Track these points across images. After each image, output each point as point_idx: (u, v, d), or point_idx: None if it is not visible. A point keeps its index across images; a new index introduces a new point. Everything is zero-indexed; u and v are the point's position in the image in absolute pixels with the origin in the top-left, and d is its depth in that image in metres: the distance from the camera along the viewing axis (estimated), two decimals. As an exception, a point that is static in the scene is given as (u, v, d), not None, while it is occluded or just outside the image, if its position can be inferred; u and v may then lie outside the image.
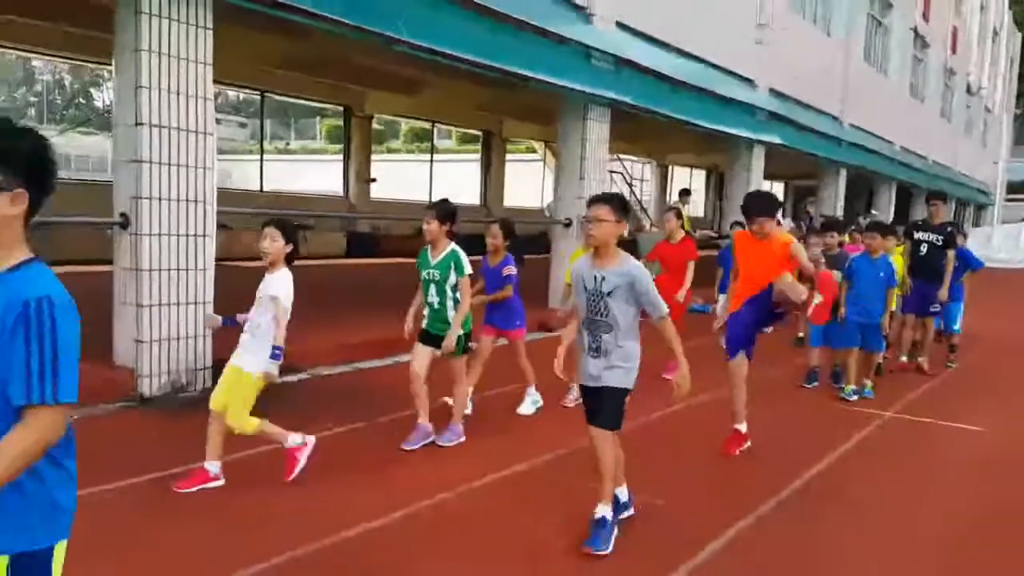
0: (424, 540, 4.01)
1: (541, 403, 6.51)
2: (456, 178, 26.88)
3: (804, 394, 7.76)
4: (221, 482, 4.55)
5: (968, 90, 35.65)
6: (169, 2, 6.07)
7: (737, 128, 15.04)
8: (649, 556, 3.96)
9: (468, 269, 5.36)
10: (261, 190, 19.92)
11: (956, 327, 9.75)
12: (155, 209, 6.18)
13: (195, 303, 6.50)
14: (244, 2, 6.45)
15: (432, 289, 5.40)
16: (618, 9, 11.56)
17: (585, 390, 4.10)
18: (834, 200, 20.66)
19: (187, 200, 6.38)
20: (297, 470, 4.66)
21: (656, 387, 5.40)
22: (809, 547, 4.23)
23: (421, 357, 5.43)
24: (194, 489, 4.45)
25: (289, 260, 4.73)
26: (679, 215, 8.31)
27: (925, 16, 27.04)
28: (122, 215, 6.20)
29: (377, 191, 21.88)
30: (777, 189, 36.99)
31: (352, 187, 21.12)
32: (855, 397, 7.39)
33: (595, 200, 3.97)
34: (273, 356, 4.50)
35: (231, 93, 25.75)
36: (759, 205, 5.64)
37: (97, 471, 4.57)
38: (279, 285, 4.59)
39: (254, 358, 4.55)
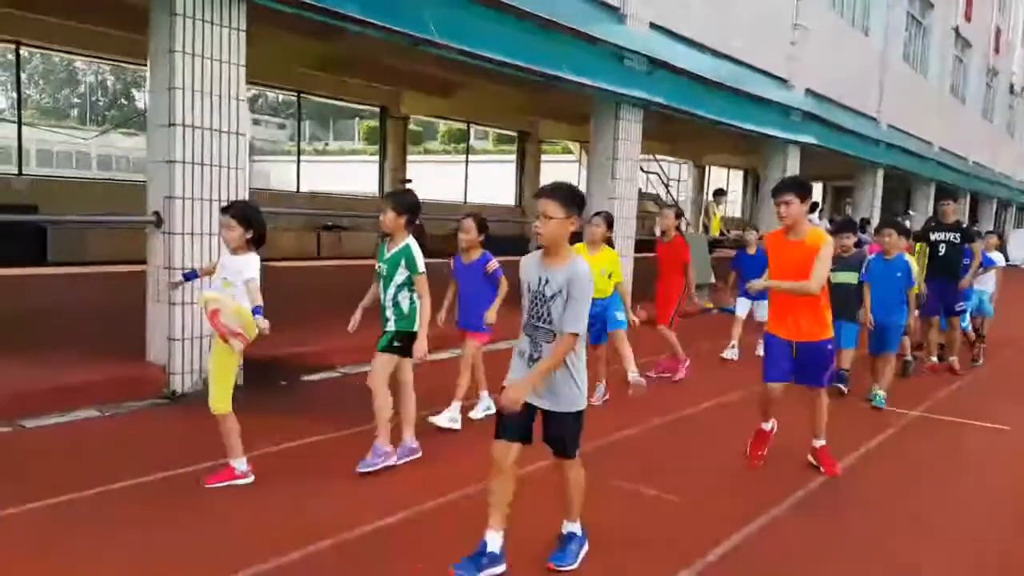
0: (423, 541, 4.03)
1: (494, 410, 6.09)
2: (492, 179, 26.97)
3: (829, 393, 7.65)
4: (250, 479, 4.56)
5: (1011, 90, 34.97)
6: (203, 4, 6.18)
7: (772, 128, 14.90)
8: (660, 553, 3.93)
9: (421, 267, 4.85)
10: (297, 191, 20.15)
11: (965, 324, 9.74)
12: (187, 208, 6.28)
13: (227, 301, 6.59)
14: (272, 3, 6.53)
15: (380, 285, 4.98)
16: (652, 10, 11.52)
17: (528, 407, 3.53)
18: (871, 201, 20.39)
19: (219, 200, 6.46)
20: (221, 484, 4.49)
21: (702, 378, 5.40)
22: (827, 544, 4.17)
23: (374, 367, 4.91)
24: (223, 484, 4.48)
25: (257, 244, 4.50)
26: (679, 214, 8.12)
27: (967, 16, 26.59)
28: (155, 214, 6.31)
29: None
30: (815, 190, 36.56)
31: (388, 188, 21.26)
32: (882, 404, 7.10)
33: (541, 193, 3.51)
34: (256, 312, 4.34)
35: (270, 95, 26.05)
36: (785, 183, 5.10)
37: (128, 467, 4.67)
38: (251, 268, 4.41)
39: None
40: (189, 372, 6.41)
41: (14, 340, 7.25)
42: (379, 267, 4.95)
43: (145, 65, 6.67)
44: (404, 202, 4.91)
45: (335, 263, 16.61)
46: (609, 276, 6.64)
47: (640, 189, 15.63)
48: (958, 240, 8.84)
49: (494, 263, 5.86)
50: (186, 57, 6.13)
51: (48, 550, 3.68)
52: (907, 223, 9.47)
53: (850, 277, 7.36)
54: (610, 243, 6.85)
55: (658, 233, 8.52)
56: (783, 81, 15.62)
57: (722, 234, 17.40)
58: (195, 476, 4.58)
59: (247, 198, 6.71)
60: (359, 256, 17.37)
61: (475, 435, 5.62)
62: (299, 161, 21.11)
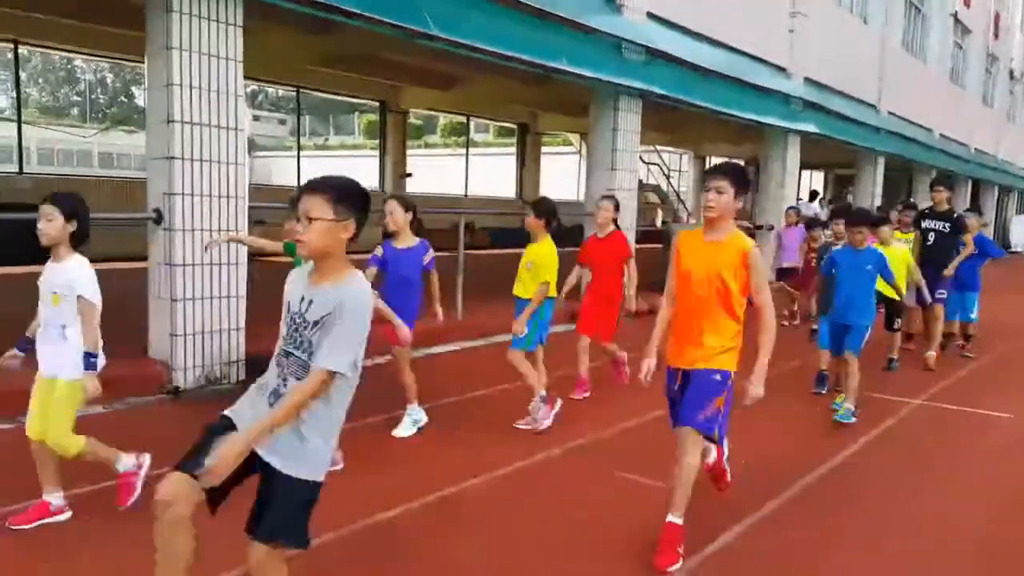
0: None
1: (423, 421, 5.60)
2: (492, 172, 26.97)
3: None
4: (67, 515, 3.94)
5: (1011, 76, 34.87)
6: (199, 0, 6.19)
7: (771, 117, 14.88)
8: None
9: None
10: (298, 186, 20.15)
11: (973, 316, 9.50)
12: (187, 205, 6.30)
13: (228, 297, 6.63)
14: (270, -1, 6.55)
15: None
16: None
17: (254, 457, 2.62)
18: (872, 189, 20.37)
19: (219, 196, 6.49)
20: (133, 498, 4.04)
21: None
22: (829, 533, 4.20)
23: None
24: (32, 526, 3.82)
25: (78, 242, 3.88)
26: (618, 206, 6.81)
27: (966, 2, 26.53)
28: (155, 211, 6.33)
29: (413, 186, 22.03)
30: (816, 178, 36.54)
31: (388, 182, 21.29)
32: (847, 419, 6.16)
33: (305, 189, 2.67)
34: (88, 366, 3.80)
35: (270, 90, 26.05)
36: (721, 166, 3.98)
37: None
38: (78, 278, 3.79)
39: (66, 361, 3.84)
40: (191, 368, 6.44)
41: (17, 338, 7.28)
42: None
43: (143, 62, 6.69)
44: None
45: (351, 256, 16.57)
46: (546, 275, 5.63)
47: (640, 180, 15.63)
48: (948, 230, 8.59)
49: (431, 254, 5.49)
50: (183, 53, 6.15)
51: (58, 545, 3.71)
52: (910, 212, 9.20)
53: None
54: (556, 234, 5.81)
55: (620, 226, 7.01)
56: (782, 70, 15.60)
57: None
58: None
59: (247, 194, 6.75)
60: (361, 251, 17.43)
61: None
62: (299, 156, 21.13)
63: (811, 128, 16.11)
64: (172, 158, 6.18)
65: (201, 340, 6.48)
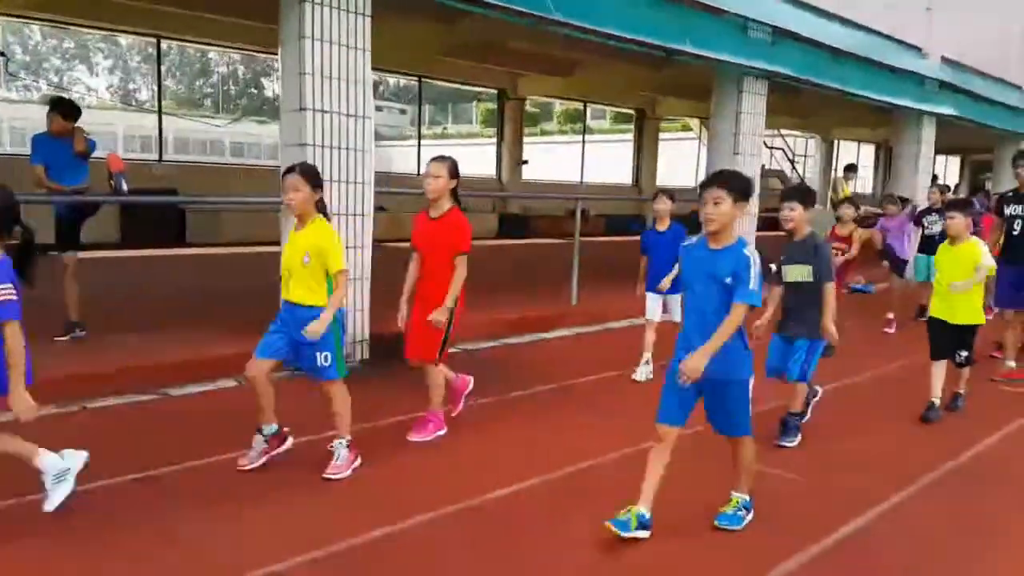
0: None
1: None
2: (609, 158, 26.78)
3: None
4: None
5: None
6: (330, -9, 6.38)
7: (905, 99, 14.19)
8: (776, 534, 3.85)
9: None
10: (418, 174, 20.57)
11: None
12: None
13: (355, 279, 6.82)
14: (398, -12, 6.68)
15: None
16: (776, -23, 11.17)
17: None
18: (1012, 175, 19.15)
19: (347, 181, 6.69)
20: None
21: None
22: (965, 525, 4.00)
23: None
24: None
25: None
26: (455, 172, 5.16)
27: None
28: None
29: (529, 173, 22.13)
30: (952, 164, 34.71)
31: (505, 169, 21.47)
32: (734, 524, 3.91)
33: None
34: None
35: (391, 80, 26.60)
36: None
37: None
38: None
39: None
40: (320, 347, 6.66)
41: (158, 316, 7.73)
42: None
43: (273, 54, 6.95)
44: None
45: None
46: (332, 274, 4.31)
47: (764, 166, 15.21)
48: None
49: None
50: (315, 43, 6.35)
51: (205, 503, 3.92)
52: None
53: (802, 271, 5.06)
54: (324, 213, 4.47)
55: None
56: (917, 49, 14.85)
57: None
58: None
59: (372, 180, 6.92)
60: (477, 237, 17.68)
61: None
62: (419, 145, 21.53)
63: (948, 110, 15.28)
64: (304, 144, 6.40)
65: (329, 320, 6.68)
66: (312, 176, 4.35)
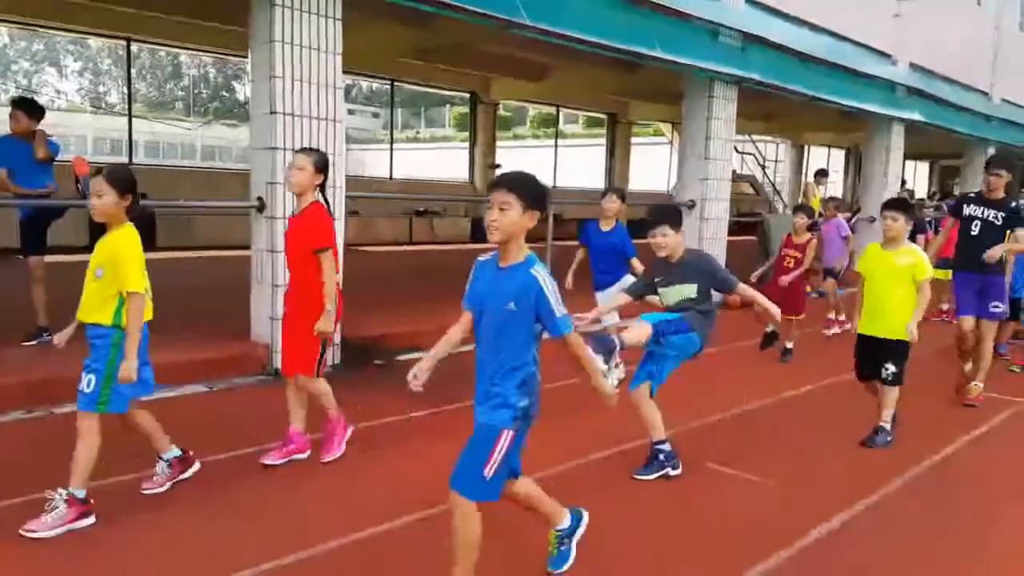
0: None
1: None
2: (581, 162, 26.86)
3: (930, 385, 7.37)
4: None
5: None
6: (300, -6, 6.36)
7: (874, 104, 14.37)
8: (761, 532, 3.90)
9: None
10: (391, 177, 20.54)
11: None
12: (289, 193, 6.46)
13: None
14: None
15: None
16: (747, -17, 11.28)
17: None
18: (979, 180, 19.46)
19: (318, 184, 6.66)
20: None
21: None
22: (930, 533, 4.06)
23: None
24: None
25: None
26: (321, 167, 4.71)
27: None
28: (258, 199, 6.55)
29: (502, 177, 22.14)
30: (921, 169, 35.21)
31: (477, 173, 21.47)
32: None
33: None
34: None
35: (364, 84, 26.55)
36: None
37: (235, 438, 4.89)
38: None
39: None
40: (291, 352, 6.63)
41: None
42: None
43: (245, 57, 6.91)
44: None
45: (427, 247, 16.91)
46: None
47: (735, 170, 15.33)
48: (1000, 222, 6.53)
49: None
50: (285, 46, 6.33)
51: (158, 514, 3.88)
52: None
53: (684, 291, 4.59)
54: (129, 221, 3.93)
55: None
56: (886, 55, 15.05)
57: (820, 215, 16.88)
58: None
59: (344, 184, 6.90)
60: (450, 241, 17.70)
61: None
62: (392, 149, 21.48)
63: (916, 116, 15.49)
64: (275, 148, 6.37)
65: (300, 325, 6.65)
66: (118, 181, 3.78)
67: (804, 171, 28.54)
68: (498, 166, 21.79)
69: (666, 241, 4.51)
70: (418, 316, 7.87)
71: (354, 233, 8.03)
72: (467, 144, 22.07)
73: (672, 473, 4.55)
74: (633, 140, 25.87)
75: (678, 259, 4.58)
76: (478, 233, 19.55)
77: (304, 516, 3.96)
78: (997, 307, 6.52)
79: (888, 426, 5.43)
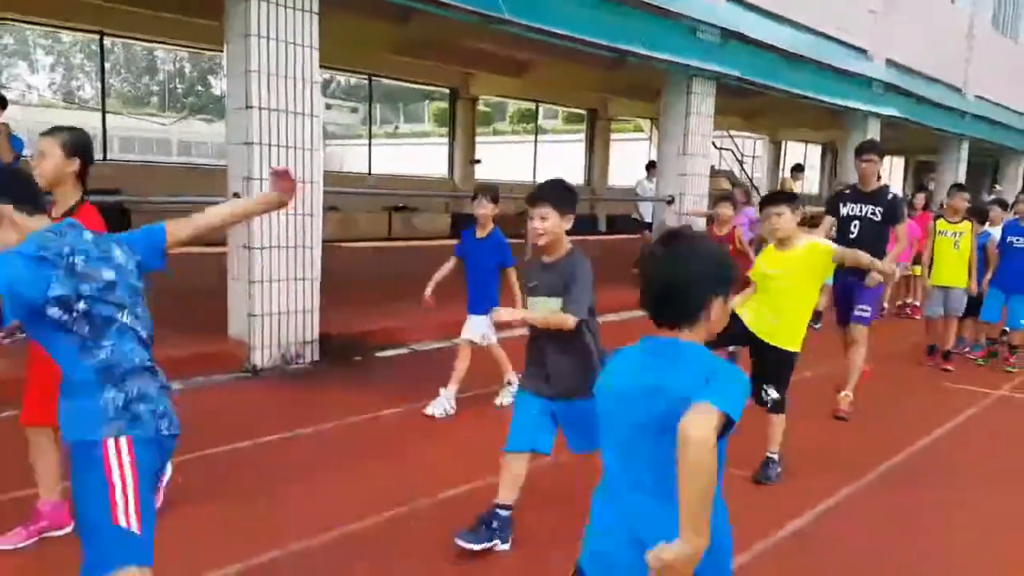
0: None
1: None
2: (561, 158, 26.86)
3: (914, 372, 7.46)
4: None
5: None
6: (277, -12, 6.29)
7: (851, 100, 14.47)
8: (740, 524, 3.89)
9: None
10: (369, 172, 20.42)
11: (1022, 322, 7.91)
12: (265, 189, 6.41)
13: (304, 279, 6.75)
14: (346, -15, 6.62)
15: None
16: (725, -20, 11.31)
17: None
18: (955, 175, 19.67)
19: (295, 181, 6.59)
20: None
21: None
22: (907, 519, 4.09)
23: None
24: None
25: None
26: (74, 147, 3.45)
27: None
28: (235, 195, 6.47)
29: (482, 172, 22.09)
30: (897, 165, 35.49)
31: (457, 169, 21.41)
32: None
33: None
34: None
35: (342, 79, 26.40)
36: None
37: (211, 436, 4.83)
38: None
39: None
40: (268, 347, 6.59)
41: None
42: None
43: (221, 51, 6.83)
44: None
45: (406, 244, 16.85)
46: None
47: (713, 166, 15.38)
48: (880, 218, 6.04)
49: None
50: (261, 41, 6.26)
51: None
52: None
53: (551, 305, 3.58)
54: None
55: None
56: (863, 52, 15.15)
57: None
58: (277, 445, 4.70)
59: (322, 179, 6.86)
60: (429, 237, 17.64)
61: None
62: (370, 144, 21.36)
63: (892, 112, 15.62)
64: (251, 143, 6.31)
65: (277, 320, 6.61)
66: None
67: (781, 166, 28.70)
68: (478, 161, 21.75)
69: (544, 226, 3.45)
70: (397, 313, 7.84)
71: (333, 229, 7.96)
72: (446, 139, 22.01)
73: (500, 547, 3.54)
74: (612, 136, 25.91)
75: (556, 258, 3.56)
76: (457, 228, 19.51)
77: (276, 515, 3.92)
78: (864, 311, 5.99)
79: (776, 457, 4.61)
